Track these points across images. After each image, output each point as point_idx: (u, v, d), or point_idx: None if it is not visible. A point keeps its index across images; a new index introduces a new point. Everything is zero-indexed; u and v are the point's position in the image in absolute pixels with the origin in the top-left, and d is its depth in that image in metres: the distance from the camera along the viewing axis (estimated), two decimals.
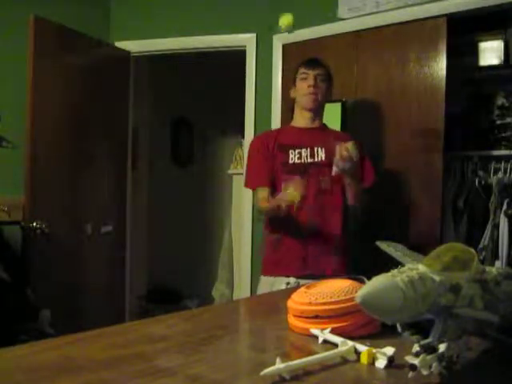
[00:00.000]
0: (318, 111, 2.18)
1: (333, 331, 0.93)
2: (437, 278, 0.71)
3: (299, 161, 2.10)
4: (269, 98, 3.07)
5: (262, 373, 0.72)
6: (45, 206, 2.76)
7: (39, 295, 2.46)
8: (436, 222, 2.48)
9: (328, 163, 2.08)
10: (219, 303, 3.58)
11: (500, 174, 2.59)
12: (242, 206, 3.30)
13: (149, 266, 4.17)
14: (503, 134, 2.72)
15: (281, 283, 2.05)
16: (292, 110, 2.27)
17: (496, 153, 2.68)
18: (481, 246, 2.50)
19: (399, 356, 0.77)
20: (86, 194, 3.10)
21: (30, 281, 2.52)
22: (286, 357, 0.78)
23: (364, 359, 0.81)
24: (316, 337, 0.94)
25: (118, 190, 3.42)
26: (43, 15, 2.73)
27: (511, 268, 0.89)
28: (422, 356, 0.69)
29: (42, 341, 0.94)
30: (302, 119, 2.19)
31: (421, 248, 1.17)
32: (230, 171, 4.02)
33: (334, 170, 1.99)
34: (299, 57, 2.39)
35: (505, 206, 2.48)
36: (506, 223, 2.45)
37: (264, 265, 2.19)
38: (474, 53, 2.70)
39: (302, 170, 2.08)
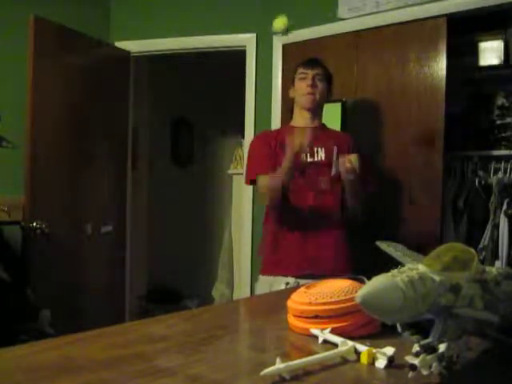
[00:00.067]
0: (316, 111, 2.18)
1: (333, 331, 0.93)
2: (437, 277, 0.71)
3: (299, 160, 2.10)
4: (269, 98, 3.07)
5: (262, 373, 0.72)
6: (45, 206, 2.76)
7: (39, 295, 2.46)
8: (436, 222, 2.48)
9: (328, 163, 2.08)
10: (219, 303, 3.58)
11: (500, 174, 2.59)
12: (242, 206, 3.30)
13: (149, 266, 4.17)
14: (503, 134, 2.72)
15: (280, 283, 2.05)
16: (291, 110, 2.27)
17: (496, 153, 2.68)
18: (481, 245, 2.50)
19: (399, 356, 0.77)
20: (86, 194, 3.10)
21: (29, 281, 2.52)
22: (286, 357, 0.78)
23: (364, 359, 0.81)
24: (316, 337, 0.94)
25: (118, 190, 3.42)
26: (43, 15, 2.73)
27: (511, 268, 0.89)
28: (421, 356, 0.69)
29: (42, 341, 0.94)
30: (301, 119, 2.19)
31: (421, 248, 1.17)
32: (230, 171, 4.02)
33: (334, 170, 1.99)
34: (299, 57, 2.39)
35: (505, 206, 2.48)
36: (506, 223, 2.45)
37: (263, 264, 2.19)
38: (474, 53, 2.70)
39: (301, 168, 2.08)
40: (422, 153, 2.53)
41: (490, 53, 2.67)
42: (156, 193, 4.25)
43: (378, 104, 2.68)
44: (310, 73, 2.13)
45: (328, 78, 2.19)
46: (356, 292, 0.69)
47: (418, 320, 0.77)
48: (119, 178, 3.43)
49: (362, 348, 0.84)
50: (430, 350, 0.70)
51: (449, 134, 2.49)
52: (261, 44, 3.11)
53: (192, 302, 4.14)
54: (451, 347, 0.71)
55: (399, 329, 0.90)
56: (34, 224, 2.65)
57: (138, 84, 3.65)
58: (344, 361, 0.82)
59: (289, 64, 2.83)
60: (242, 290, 3.29)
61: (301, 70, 2.16)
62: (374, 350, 0.81)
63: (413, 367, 0.69)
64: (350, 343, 0.85)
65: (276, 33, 2.14)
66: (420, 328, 0.85)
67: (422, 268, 0.72)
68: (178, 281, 4.25)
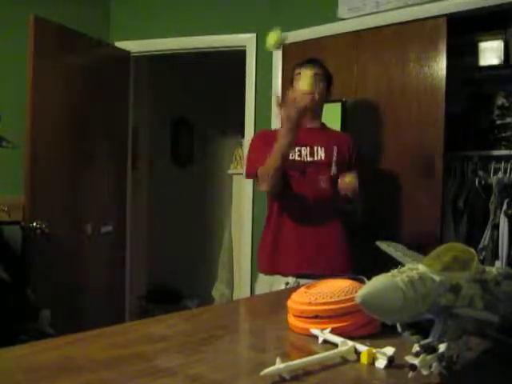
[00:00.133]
0: (316, 111, 2.18)
1: (333, 331, 0.93)
2: (437, 277, 0.71)
3: (299, 158, 2.10)
4: (269, 98, 3.06)
5: (262, 373, 0.72)
6: (45, 206, 2.77)
7: (39, 295, 2.46)
8: (436, 222, 2.48)
9: (327, 162, 2.09)
10: (219, 303, 3.58)
11: (500, 174, 2.59)
12: (242, 206, 3.30)
13: (149, 266, 4.17)
14: (503, 134, 2.72)
15: (280, 283, 2.05)
16: None
17: (496, 153, 2.68)
18: (481, 246, 2.50)
19: (399, 356, 0.77)
20: (86, 194, 3.10)
21: (29, 281, 2.52)
22: (286, 357, 0.78)
23: (364, 359, 0.81)
24: (316, 337, 0.94)
25: (118, 190, 3.42)
26: (43, 15, 2.73)
27: (511, 268, 0.89)
28: (421, 356, 0.69)
29: (42, 341, 0.94)
30: None
31: (421, 248, 1.17)
32: (230, 171, 4.02)
33: (334, 169, 1.99)
34: (299, 57, 2.39)
35: (505, 206, 2.48)
36: (506, 223, 2.45)
37: (263, 263, 2.19)
38: (474, 53, 2.70)
39: (301, 168, 2.08)
40: (422, 153, 2.53)
41: (490, 53, 2.67)
42: (156, 193, 4.25)
43: (377, 104, 2.68)
44: (309, 73, 2.13)
45: (327, 78, 2.19)
46: (356, 292, 0.69)
47: (417, 320, 0.77)
48: (119, 178, 3.43)
49: (362, 348, 0.84)
50: (430, 349, 0.70)
51: (449, 134, 2.49)
52: (261, 44, 3.10)
53: (192, 301, 4.14)
54: (451, 347, 0.71)
55: (399, 329, 0.90)
56: (34, 224, 2.65)
57: (138, 84, 3.65)
58: (344, 361, 0.82)
59: (289, 64, 2.82)
60: (241, 290, 3.29)
61: (299, 70, 2.16)
62: (374, 350, 0.82)
63: (413, 367, 0.69)
64: (350, 343, 0.85)
65: (270, 48, 2.04)
66: (420, 328, 0.85)
67: (422, 268, 0.72)
68: (178, 281, 4.25)
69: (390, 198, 2.61)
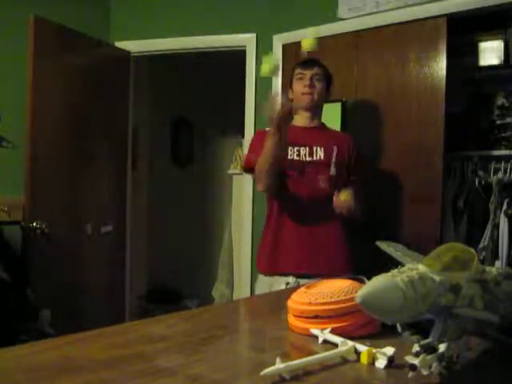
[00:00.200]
0: (315, 111, 2.18)
1: (333, 331, 0.93)
2: (437, 277, 0.71)
3: (298, 158, 2.10)
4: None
5: (262, 373, 0.72)
6: (45, 206, 2.76)
7: (39, 295, 2.46)
8: (436, 222, 2.48)
9: (326, 162, 2.08)
10: (219, 303, 3.58)
11: (500, 174, 2.59)
12: (242, 206, 3.30)
13: (149, 266, 4.17)
14: (503, 134, 2.72)
15: (280, 283, 2.05)
16: None
17: (496, 153, 2.68)
18: (481, 245, 2.50)
19: (399, 356, 0.77)
20: (86, 194, 3.10)
21: (29, 281, 2.52)
22: (286, 357, 0.78)
23: (364, 359, 0.81)
24: (316, 337, 0.94)
25: (118, 190, 3.42)
26: (43, 15, 2.73)
27: (511, 268, 0.89)
28: (422, 356, 0.69)
29: (42, 341, 0.94)
30: (300, 119, 2.19)
31: (421, 248, 1.17)
32: (230, 171, 4.01)
33: (332, 169, 1.99)
34: (299, 57, 2.38)
35: (505, 206, 2.48)
36: (506, 223, 2.45)
37: (263, 264, 2.19)
38: (474, 53, 2.70)
39: (300, 167, 2.08)
40: (422, 153, 2.53)
41: (490, 53, 2.67)
42: (156, 193, 4.25)
43: (377, 104, 2.68)
44: (308, 73, 2.13)
45: (327, 78, 2.19)
46: (356, 292, 0.69)
47: (418, 320, 0.77)
48: (119, 178, 3.43)
49: (362, 348, 0.84)
50: (430, 350, 0.70)
51: (449, 134, 2.49)
52: (261, 44, 3.11)
53: (192, 302, 4.14)
54: (451, 347, 0.71)
55: (399, 329, 0.90)
56: (34, 224, 2.65)
57: (138, 84, 3.65)
58: (344, 361, 0.82)
59: (289, 64, 2.82)
60: (241, 290, 3.29)
61: (298, 70, 2.17)
62: (374, 350, 0.82)
63: (413, 367, 0.69)
64: (350, 343, 0.85)
65: (265, 76, 2.00)
66: (420, 328, 0.85)
67: (422, 268, 0.72)
68: (178, 281, 4.25)
69: (390, 198, 2.60)
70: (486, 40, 2.69)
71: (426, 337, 0.74)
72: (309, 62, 2.17)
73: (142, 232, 3.99)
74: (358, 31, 2.75)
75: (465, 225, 2.61)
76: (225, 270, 3.96)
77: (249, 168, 2.15)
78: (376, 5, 2.67)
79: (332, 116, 2.54)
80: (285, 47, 3.00)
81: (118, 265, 3.40)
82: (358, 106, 2.73)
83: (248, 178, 3.05)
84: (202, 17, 3.27)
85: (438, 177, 2.49)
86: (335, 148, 2.11)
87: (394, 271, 0.71)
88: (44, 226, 2.66)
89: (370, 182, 2.29)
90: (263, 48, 3.09)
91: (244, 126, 3.19)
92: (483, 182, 2.64)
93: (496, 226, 2.48)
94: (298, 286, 1.44)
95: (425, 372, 0.69)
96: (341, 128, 2.64)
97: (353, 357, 0.83)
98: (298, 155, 2.10)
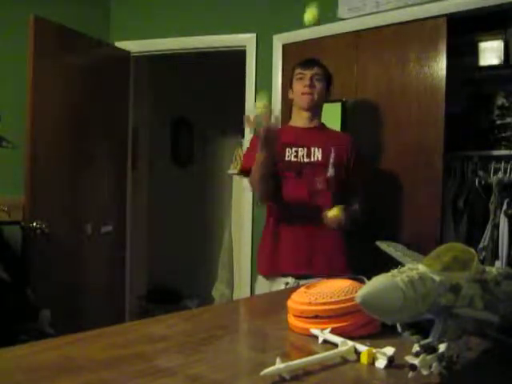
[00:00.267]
0: (315, 111, 2.18)
1: (333, 331, 0.93)
2: (437, 277, 0.71)
3: (295, 159, 2.10)
4: (269, 98, 3.06)
5: (262, 373, 0.72)
6: (45, 206, 2.76)
7: (39, 295, 2.46)
8: (436, 222, 2.48)
9: (324, 163, 2.08)
10: (219, 303, 3.58)
11: (500, 174, 2.59)
12: (242, 206, 3.30)
13: (149, 266, 4.17)
14: (503, 134, 2.72)
15: (280, 283, 2.05)
16: (291, 111, 2.28)
17: (496, 153, 2.68)
18: (481, 245, 2.50)
19: (399, 356, 0.77)
20: (86, 194, 3.10)
21: (29, 281, 2.52)
22: (286, 357, 0.78)
23: (364, 359, 0.81)
24: (316, 337, 0.94)
25: (118, 190, 3.42)
26: (43, 15, 2.73)
27: (511, 268, 0.89)
28: (421, 356, 0.69)
29: (42, 341, 0.94)
30: (299, 119, 2.19)
31: (421, 248, 1.17)
32: (230, 171, 4.01)
33: (330, 171, 1.99)
34: (299, 57, 2.39)
35: (505, 206, 2.48)
36: (506, 223, 2.45)
37: (262, 265, 2.19)
38: (474, 53, 2.70)
39: (297, 168, 2.08)
40: (422, 153, 2.53)
41: (490, 53, 2.67)
42: (156, 193, 4.25)
43: (377, 104, 2.68)
44: (308, 73, 2.13)
45: (327, 78, 2.18)
46: (356, 292, 0.69)
47: (418, 320, 0.77)
48: (119, 178, 3.43)
49: (362, 348, 0.84)
50: (430, 349, 0.70)
51: (449, 134, 2.49)
52: (261, 44, 3.11)
53: (192, 302, 4.14)
54: (451, 347, 0.71)
55: (399, 329, 0.90)
56: (34, 224, 2.65)
57: (138, 84, 3.65)
58: (344, 361, 0.82)
59: (289, 64, 2.82)
60: (241, 290, 3.29)
61: (298, 70, 2.16)
62: (374, 350, 0.82)
63: (413, 367, 0.69)
64: (350, 343, 0.85)
65: (308, 25, 2.02)
66: (420, 328, 0.85)
67: (422, 268, 0.72)
68: (178, 281, 4.25)
69: (390, 198, 2.60)
70: (486, 40, 2.68)
71: (426, 337, 0.74)
72: (309, 61, 2.17)
73: (142, 232, 3.99)
74: (357, 31, 2.75)
75: (465, 225, 2.61)
76: (225, 270, 3.96)
77: (244, 172, 2.18)
78: (376, 5, 2.67)
79: (332, 116, 2.54)
80: (285, 47, 3.01)
81: (118, 265, 3.40)
82: (358, 105, 2.73)
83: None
84: (201, 17, 3.27)
85: (438, 177, 2.49)
86: (333, 149, 2.10)
87: (394, 271, 0.71)
88: (44, 225, 2.66)
89: (369, 182, 2.29)
90: (263, 48, 3.10)
91: (244, 126, 3.18)
92: (483, 182, 2.63)
93: (496, 226, 2.48)
94: (297, 286, 1.44)
95: (425, 372, 0.69)
96: (341, 128, 2.64)
97: (353, 357, 0.83)
98: (296, 156, 2.10)
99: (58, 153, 2.88)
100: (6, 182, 2.77)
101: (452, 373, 0.71)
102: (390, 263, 0.87)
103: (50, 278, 2.69)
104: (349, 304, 0.95)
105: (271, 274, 2.11)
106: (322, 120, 2.25)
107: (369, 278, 0.71)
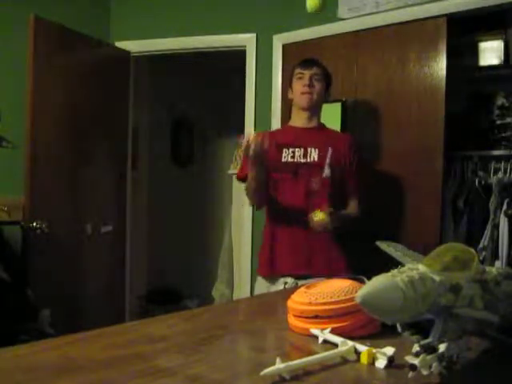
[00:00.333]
0: (314, 111, 2.18)
1: (333, 331, 0.93)
2: (437, 277, 0.71)
3: (292, 160, 2.09)
4: (269, 98, 3.07)
5: (262, 373, 0.72)
6: (45, 206, 2.76)
7: (39, 295, 2.46)
8: (436, 222, 2.48)
9: (320, 164, 2.07)
10: (219, 303, 3.58)
11: (500, 174, 2.59)
12: (242, 206, 3.30)
13: (149, 266, 4.17)
14: (503, 134, 2.72)
15: (279, 284, 2.05)
16: (290, 111, 2.28)
17: (496, 153, 2.68)
18: (481, 245, 2.49)
19: (399, 356, 0.77)
20: (85, 193, 3.10)
21: (29, 281, 2.52)
22: (286, 357, 0.78)
23: (364, 359, 0.81)
24: (316, 337, 0.94)
25: (118, 189, 3.42)
26: (43, 15, 2.73)
27: (511, 268, 0.89)
28: (422, 356, 0.69)
29: (42, 341, 0.94)
30: (298, 119, 2.19)
31: (421, 248, 1.17)
32: (229, 171, 4.01)
33: (326, 171, 1.99)
34: (299, 57, 2.38)
35: (505, 206, 2.47)
36: (506, 223, 2.45)
37: (262, 265, 2.19)
38: (474, 53, 2.70)
39: (293, 169, 2.08)
40: (422, 153, 2.53)
41: (490, 53, 2.67)
42: (156, 193, 4.25)
43: (377, 104, 2.68)
44: (307, 73, 2.12)
45: (327, 78, 2.18)
46: (356, 292, 0.69)
47: (418, 320, 0.77)
48: (119, 177, 3.43)
49: (361, 348, 0.84)
50: (430, 349, 0.70)
51: (449, 134, 2.49)
52: (261, 44, 3.11)
53: (192, 302, 4.14)
54: (451, 347, 0.71)
55: (399, 329, 0.90)
56: (34, 224, 2.65)
57: (138, 84, 3.65)
58: (344, 361, 0.82)
59: (289, 64, 2.82)
60: (241, 290, 3.29)
61: (298, 70, 2.16)
62: (374, 350, 0.82)
63: (413, 367, 0.69)
64: (350, 343, 0.85)
65: (311, 12, 2.00)
66: (420, 328, 0.85)
67: (422, 268, 0.72)
68: (178, 281, 4.25)
69: (389, 198, 2.60)
70: (486, 40, 2.68)
71: (426, 337, 0.74)
72: (308, 61, 2.17)
73: (141, 232, 3.99)
74: (357, 31, 2.75)
75: (465, 225, 2.61)
76: (225, 270, 3.96)
77: (241, 180, 2.22)
78: (376, 5, 2.67)
79: (332, 116, 2.54)
80: (285, 47, 3.01)
81: (118, 265, 3.40)
82: (358, 105, 2.73)
83: None
84: (202, 17, 3.27)
85: (437, 177, 2.49)
86: (330, 149, 2.09)
87: (394, 271, 0.71)
88: (44, 225, 2.66)
89: (369, 182, 2.29)
90: (263, 48, 3.10)
91: (244, 126, 3.19)
92: (483, 182, 2.63)
93: (496, 226, 2.48)
94: (296, 287, 1.44)
95: (425, 372, 0.69)
96: (341, 128, 2.64)
97: (353, 357, 0.83)
98: (293, 157, 2.09)
99: (58, 153, 2.88)
100: (5, 182, 2.77)
101: (452, 373, 0.71)
102: (390, 263, 0.87)
103: (50, 278, 2.69)
104: (349, 304, 0.95)
105: (270, 275, 2.11)
106: (322, 120, 2.24)
107: (369, 278, 0.71)
